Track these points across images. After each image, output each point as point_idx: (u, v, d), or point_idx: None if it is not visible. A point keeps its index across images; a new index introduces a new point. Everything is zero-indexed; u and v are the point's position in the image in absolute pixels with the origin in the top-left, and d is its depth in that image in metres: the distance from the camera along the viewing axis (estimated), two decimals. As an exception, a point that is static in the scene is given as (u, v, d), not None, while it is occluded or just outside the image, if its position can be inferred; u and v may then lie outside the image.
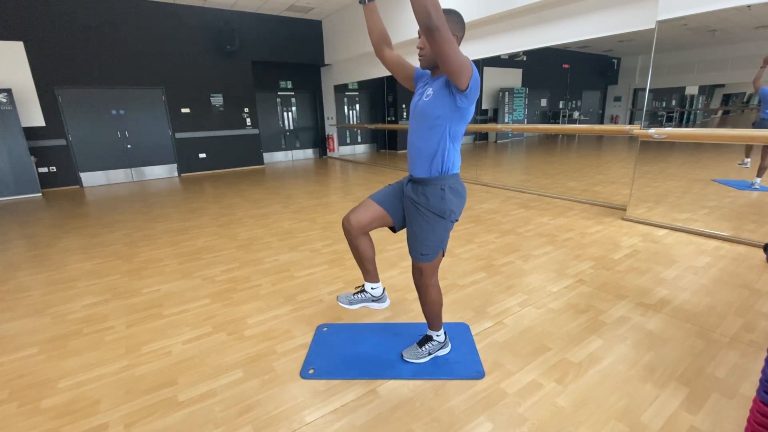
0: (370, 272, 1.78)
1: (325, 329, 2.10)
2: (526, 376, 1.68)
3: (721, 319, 2.06)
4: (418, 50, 1.47)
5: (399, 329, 2.08)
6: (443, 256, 1.62)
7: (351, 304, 1.79)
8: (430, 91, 1.46)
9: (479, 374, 1.71)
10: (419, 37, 1.45)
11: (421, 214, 1.53)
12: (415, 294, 2.15)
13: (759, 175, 4.69)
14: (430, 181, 1.51)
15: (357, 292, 1.81)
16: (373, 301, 1.81)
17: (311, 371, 1.75)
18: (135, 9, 7.01)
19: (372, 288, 1.80)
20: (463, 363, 1.79)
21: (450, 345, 1.86)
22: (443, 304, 1.78)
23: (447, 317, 2.15)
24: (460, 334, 2.00)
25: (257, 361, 1.85)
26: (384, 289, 1.85)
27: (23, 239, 4.00)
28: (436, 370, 1.75)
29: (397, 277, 2.71)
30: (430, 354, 1.79)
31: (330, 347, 1.93)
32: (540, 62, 11.73)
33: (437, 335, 1.79)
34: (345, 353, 1.89)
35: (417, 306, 2.13)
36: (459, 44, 1.39)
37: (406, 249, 1.68)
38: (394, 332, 2.05)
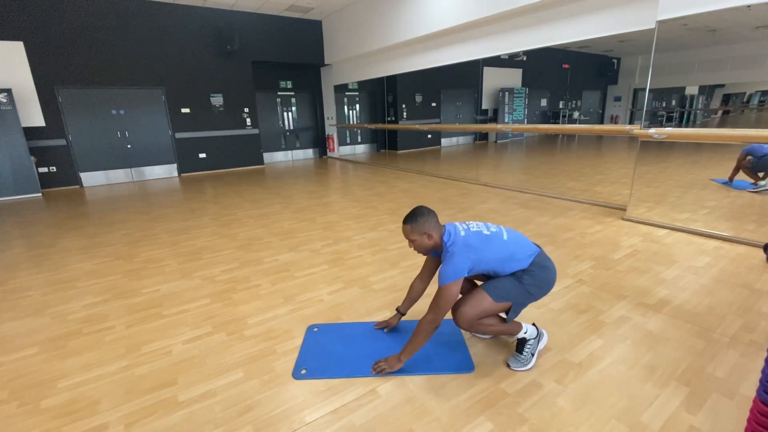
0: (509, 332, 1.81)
1: (315, 329, 2.10)
2: (526, 376, 1.68)
3: (721, 319, 2.06)
4: (410, 242, 1.74)
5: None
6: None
7: (528, 362, 1.75)
8: None
9: (469, 367, 1.74)
10: (405, 225, 1.72)
11: None
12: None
13: (763, 178, 4.68)
14: None
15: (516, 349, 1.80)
16: (536, 341, 1.79)
17: (303, 371, 1.75)
18: (135, 9, 7.01)
19: (529, 332, 1.78)
20: (452, 357, 1.82)
21: (543, 332, 1.83)
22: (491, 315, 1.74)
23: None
24: (450, 328, 2.04)
25: (257, 361, 1.85)
26: (533, 324, 1.83)
27: (23, 239, 4.00)
28: (428, 365, 1.77)
29: (398, 277, 2.71)
30: (533, 354, 1.75)
31: (321, 347, 1.94)
32: (540, 62, 11.73)
33: (525, 333, 1.76)
34: (337, 352, 1.89)
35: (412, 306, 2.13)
36: (435, 236, 1.68)
37: (407, 249, 1.73)
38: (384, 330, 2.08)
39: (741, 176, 5.04)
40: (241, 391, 1.66)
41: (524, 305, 1.75)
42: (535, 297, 1.71)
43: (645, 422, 1.41)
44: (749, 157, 4.80)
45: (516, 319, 1.78)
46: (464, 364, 1.77)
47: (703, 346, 1.84)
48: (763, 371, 1.06)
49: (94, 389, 1.70)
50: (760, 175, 4.73)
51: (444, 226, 1.71)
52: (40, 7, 6.28)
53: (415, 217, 1.68)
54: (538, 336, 1.79)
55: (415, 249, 1.75)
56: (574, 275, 2.66)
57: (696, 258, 2.88)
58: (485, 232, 1.68)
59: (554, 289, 2.45)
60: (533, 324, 1.83)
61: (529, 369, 1.73)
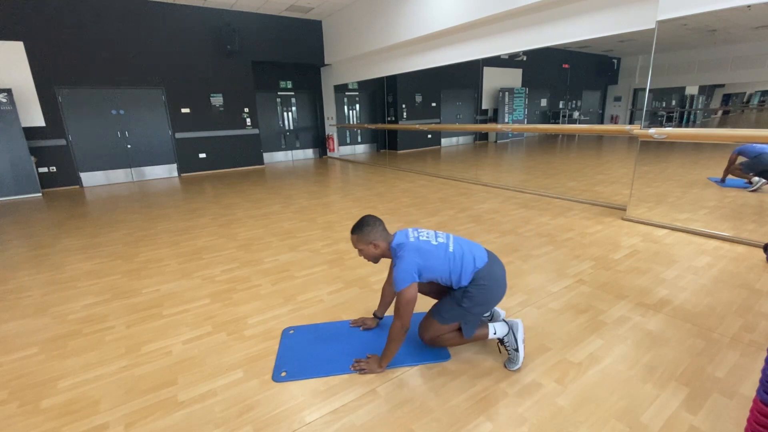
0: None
1: (291, 332, 2.10)
2: (526, 376, 1.68)
3: (721, 319, 2.06)
4: (358, 251, 1.78)
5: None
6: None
7: (516, 359, 1.74)
8: None
9: (446, 357, 1.83)
10: (352, 235, 1.75)
11: None
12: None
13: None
14: None
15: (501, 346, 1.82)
16: (511, 335, 1.78)
17: (283, 374, 1.74)
18: (135, 9, 7.01)
19: (498, 331, 1.79)
20: (429, 348, 1.87)
21: (517, 321, 1.79)
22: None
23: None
24: None
25: (257, 361, 1.85)
26: (502, 320, 1.85)
27: (23, 239, 4.00)
28: (407, 357, 1.82)
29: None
30: (516, 349, 1.73)
31: (299, 348, 1.94)
32: (540, 62, 11.73)
33: (495, 334, 1.78)
34: (315, 352, 1.90)
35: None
36: (381, 245, 1.72)
37: None
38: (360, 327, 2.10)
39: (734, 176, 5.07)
40: (241, 391, 1.66)
41: (475, 321, 1.76)
42: (480, 314, 1.74)
43: (645, 422, 1.41)
44: (741, 158, 4.84)
45: (481, 323, 1.81)
46: (441, 354, 1.84)
47: (703, 346, 1.84)
48: (763, 371, 1.06)
49: (94, 389, 1.70)
50: (751, 174, 4.74)
51: (392, 234, 1.76)
52: (40, 7, 6.28)
53: (360, 227, 1.72)
54: (510, 330, 1.77)
55: (363, 258, 1.79)
56: (574, 275, 2.66)
57: (696, 258, 2.88)
58: (433, 242, 1.71)
59: (554, 289, 2.46)
60: (503, 320, 1.85)
61: (521, 363, 1.73)
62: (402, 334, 1.65)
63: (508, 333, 1.77)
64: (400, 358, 1.82)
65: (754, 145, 4.64)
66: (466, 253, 1.71)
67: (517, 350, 1.73)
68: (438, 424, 1.45)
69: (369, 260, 1.79)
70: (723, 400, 1.50)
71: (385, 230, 1.75)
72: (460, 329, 1.77)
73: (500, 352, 1.85)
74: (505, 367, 1.75)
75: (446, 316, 1.75)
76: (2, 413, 1.58)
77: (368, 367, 1.73)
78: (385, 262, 2.53)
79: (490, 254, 1.79)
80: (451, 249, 1.71)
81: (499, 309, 2.06)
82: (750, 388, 1.56)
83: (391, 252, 1.72)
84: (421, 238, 1.72)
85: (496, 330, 1.78)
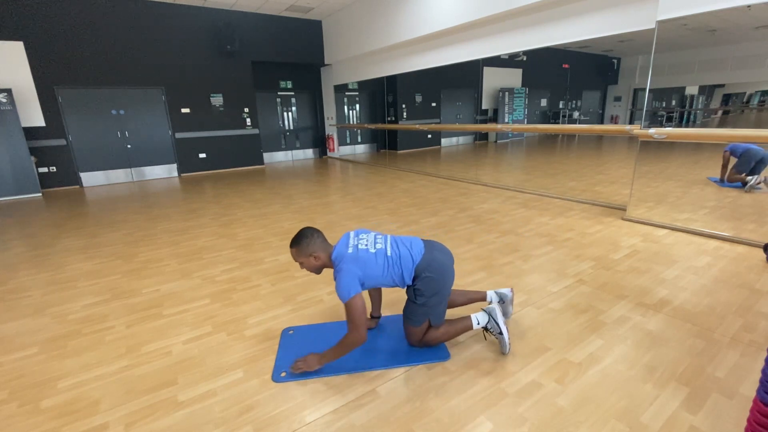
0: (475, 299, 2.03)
1: (290, 332, 2.10)
2: (526, 376, 1.68)
3: (721, 319, 2.06)
4: (299, 264, 1.78)
5: None
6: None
7: (504, 343, 1.81)
8: None
9: (445, 356, 1.81)
10: (291, 249, 1.76)
11: None
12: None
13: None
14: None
15: (489, 326, 1.86)
16: (493, 321, 1.84)
17: (283, 374, 1.74)
18: (135, 9, 7.01)
19: (481, 321, 1.86)
20: (429, 348, 1.87)
21: (492, 307, 1.86)
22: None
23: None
24: None
25: (257, 361, 1.85)
26: (482, 310, 1.91)
27: (23, 239, 4.00)
28: (406, 357, 1.81)
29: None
30: (501, 333, 1.79)
31: (299, 348, 1.93)
32: (540, 62, 11.73)
33: (478, 325, 1.85)
34: (315, 352, 1.89)
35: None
36: (321, 256, 1.73)
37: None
38: None
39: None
40: (241, 391, 1.66)
41: (439, 310, 1.80)
42: (438, 304, 1.78)
43: (645, 422, 1.41)
44: (732, 157, 4.91)
45: (462, 315, 1.92)
46: (440, 354, 1.84)
47: (703, 346, 1.84)
48: (763, 371, 1.06)
49: (94, 389, 1.70)
50: (743, 174, 4.75)
51: (333, 245, 1.77)
52: (40, 7, 6.28)
53: (298, 240, 1.72)
54: (490, 316, 1.84)
55: (306, 270, 1.80)
56: (574, 275, 2.66)
57: (696, 258, 2.88)
58: (371, 249, 1.73)
59: (554, 289, 2.46)
60: (482, 309, 1.90)
61: (509, 345, 1.79)
62: (354, 345, 1.65)
63: (488, 320, 1.82)
64: (400, 358, 1.81)
65: (740, 143, 4.73)
66: (403, 253, 1.76)
67: (501, 333, 1.78)
68: (438, 424, 1.45)
69: (311, 272, 1.80)
70: (723, 400, 1.50)
71: (324, 241, 1.77)
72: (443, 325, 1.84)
73: (485, 339, 1.94)
74: (503, 353, 1.83)
75: (414, 318, 1.80)
76: (2, 413, 1.58)
77: (306, 365, 1.73)
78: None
79: (427, 243, 1.83)
80: (389, 253, 1.74)
81: (507, 290, 2.08)
82: (750, 388, 1.56)
83: (332, 263, 1.73)
84: (360, 246, 1.74)
85: (478, 320, 1.85)
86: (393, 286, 1.79)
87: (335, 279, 1.67)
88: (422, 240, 1.85)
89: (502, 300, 2.06)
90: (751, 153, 4.71)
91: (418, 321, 1.80)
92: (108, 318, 2.33)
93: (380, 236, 1.83)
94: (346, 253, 1.70)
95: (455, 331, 1.86)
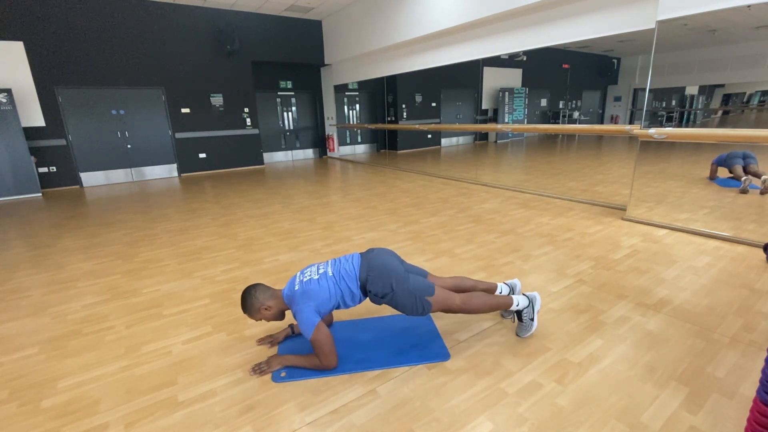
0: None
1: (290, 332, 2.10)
2: (526, 376, 1.68)
3: (721, 319, 2.06)
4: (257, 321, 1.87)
5: (365, 325, 2.12)
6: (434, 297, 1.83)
7: (530, 327, 1.93)
8: None
9: (445, 356, 1.82)
10: (245, 313, 1.81)
11: None
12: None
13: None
14: None
15: (517, 319, 1.98)
16: (530, 308, 1.94)
17: (283, 374, 1.74)
18: (135, 9, 7.01)
19: (521, 304, 1.94)
20: (428, 348, 1.88)
21: (535, 295, 1.97)
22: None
23: (445, 315, 2.15)
24: (423, 323, 2.10)
25: (257, 361, 1.85)
26: (523, 294, 1.99)
27: (23, 239, 4.00)
28: (406, 357, 1.81)
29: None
30: (532, 319, 1.92)
31: (298, 349, 1.93)
32: (540, 62, 11.73)
33: (518, 306, 1.93)
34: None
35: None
36: (271, 304, 1.77)
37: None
38: (360, 328, 2.09)
39: (728, 174, 5.11)
40: (241, 391, 1.66)
41: (412, 287, 1.77)
42: (402, 285, 1.75)
43: (645, 422, 1.41)
44: (719, 167, 5.23)
45: (504, 294, 2.05)
46: (440, 353, 1.84)
47: (703, 346, 1.84)
48: (763, 371, 1.06)
49: (94, 389, 1.70)
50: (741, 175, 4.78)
51: (280, 290, 1.83)
52: (40, 7, 6.29)
53: (244, 303, 1.76)
54: (530, 303, 1.94)
55: (267, 321, 1.89)
56: (574, 275, 2.66)
57: (696, 258, 2.88)
58: (315, 277, 1.77)
59: (554, 289, 2.46)
60: (524, 294, 1.99)
61: (533, 332, 1.92)
62: (322, 369, 1.72)
63: (528, 305, 1.93)
64: (400, 358, 1.81)
65: (722, 153, 5.13)
66: (345, 267, 1.82)
67: (532, 320, 1.92)
68: (438, 424, 1.45)
69: (274, 321, 1.86)
70: (723, 400, 1.50)
71: (267, 290, 1.80)
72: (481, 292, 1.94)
73: (513, 321, 2.05)
74: (517, 335, 1.94)
75: (409, 309, 1.78)
76: (2, 413, 1.58)
77: (267, 366, 1.75)
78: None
79: (364, 253, 1.90)
80: (330, 273, 1.78)
81: (517, 280, 2.16)
82: (750, 388, 1.56)
83: (286, 303, 1.78)
84: (305, 279, 1.77)
85: (519, 302, 1.93)
86: (349, 306, 1.80)
87: (295, 319, 1.70)
88: (359, 253, 1.92)
89: (512, 291, 2.12)
90: (733, 154, 5.01)
91: (414, 309, 1.78)
92: (108, 318, 2.33)
93: (323, 263, 1.88)
94: (294, 292, 1.74)
95: (496, 304, 1.91)
